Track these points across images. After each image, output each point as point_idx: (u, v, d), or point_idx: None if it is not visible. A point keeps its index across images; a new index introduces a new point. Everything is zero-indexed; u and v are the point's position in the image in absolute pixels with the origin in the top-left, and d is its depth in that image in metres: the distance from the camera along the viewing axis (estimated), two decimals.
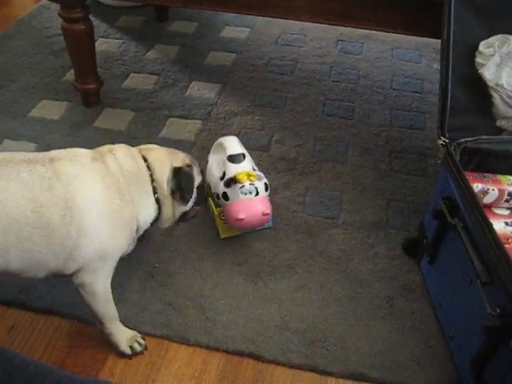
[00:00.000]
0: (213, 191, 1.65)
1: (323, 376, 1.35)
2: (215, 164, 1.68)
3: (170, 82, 2.33)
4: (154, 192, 1.34)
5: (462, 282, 1.28)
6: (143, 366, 1.35)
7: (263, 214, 1.57)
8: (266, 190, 1.60)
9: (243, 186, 1.55)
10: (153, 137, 2.04)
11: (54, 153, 1.24)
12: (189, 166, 1.41)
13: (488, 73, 1.44)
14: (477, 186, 1.41)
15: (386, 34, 2.53)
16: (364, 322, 1.46)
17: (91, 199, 1.20)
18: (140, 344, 1.37)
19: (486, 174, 1.46)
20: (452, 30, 1.44)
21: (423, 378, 1.34)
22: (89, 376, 1.31)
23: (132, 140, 2.01)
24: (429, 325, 1.46)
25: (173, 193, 1.36)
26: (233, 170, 1.59)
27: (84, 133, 2.05)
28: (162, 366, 1.36)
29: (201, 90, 2.30)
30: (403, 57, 2.57)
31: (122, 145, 1.37)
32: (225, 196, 1.57)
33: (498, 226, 1.38)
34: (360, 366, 1.36)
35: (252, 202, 1.56)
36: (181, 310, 1.47)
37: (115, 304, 1.37)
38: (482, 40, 1.47)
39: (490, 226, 1.19)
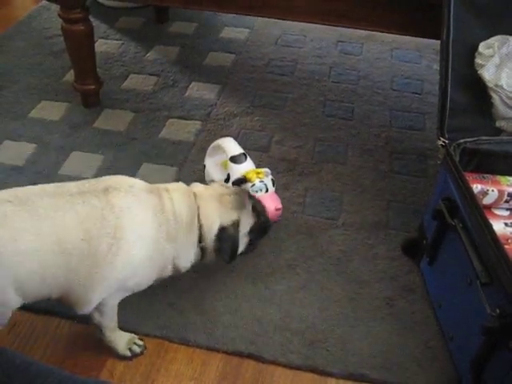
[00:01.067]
0: None
1: (323, 377, 1.35)
2: (214, 167, 1.68)
3: (169, 83, 2.34)
4: (200, 241, 1.34)
5: (462, 283, 1.28)
6: (143, 366, 1.35)
7: (276, 209, 1.60)
8: (273, 185, 1.62)
9: (254, 185, 1.57)
10: (152, 137, 2.04)
11: (109, 181, 1.25)
12: (235, 223, 1.37)
13: (487, 74, 1.44)
14: (476, 187, 1.41)
15: (385, 34, 2.52)
16: (364, 323, 1.46)
17: (140, 235, 1.21)
18: (139, 345, 1.37)
19: (485, 175, 1.46)
20: (452, 31, 1.44)
21: (423, 379, 1.34)
22: (89, 377, 1.31)
23: (131, 141, 2.02)
24: (428, 325, 1.46)
25: (216, 250, 1.36)
26: (237, 170, 1.59)
27: (84, 133, 2.05)
28: (161, 366, 1.36)
29: (200, 91, 2.30)
30: (403, 58, 2.57)
31: (180, 185, 1.37)
32: None
33: (498, 226, 1.38)
34: (360, 367, 1.36)
35: (264, 199, 1.57)
36: (181, 310, 1.47)
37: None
38: (481, 41, 1.47)
39: (489, 227, 1.19)
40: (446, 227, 1.38)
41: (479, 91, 1.47)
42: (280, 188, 1.82)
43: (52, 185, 1.23)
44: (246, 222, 1.41)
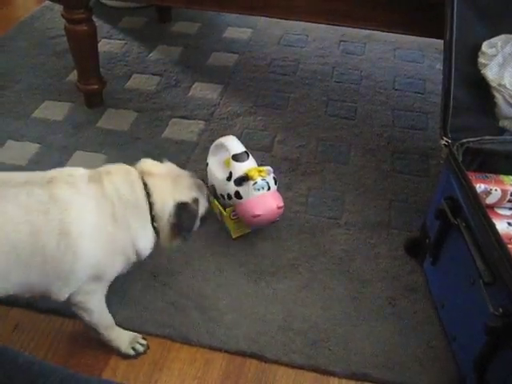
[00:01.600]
0: (219, 193, 1.64)
1: (325, 376, 1.35)
2: (217, 165, 1.68)
3: (172, 83, 2.34)
4: (153, 220, 1.28)
5: (465, 283, 1.28)
6: (146, 365, 1.36)
7: (278, 208, 1.59)
8: (275, 183, 1.62)
9: (256, 183, 1.56)
10: (155, 137, 2.05)
11: (52, 173, 1.23)
12: (195, 200, 1.33)
13: (491, 73, 1.44)
14: (479, 187, 1.41)
15: (388, 34, 2.53)
16: (366, 323, 1.46)
17: (85, 225, 1.18)
18: (142, 344, 1.37)
19: (488, 175, 1.45)
20: (455, 30, 1.44)
21: (425, 379, 1.34)
22: (92, 376, 1.31)
23: (135, 140, 2.03)
24: (431, 325, 1.46)
25: (173, 226, 1.29)
26: (240, 168, 1.59)
27: (87, 133, 2.06)
28: (164, 366, 1.36)
29: (203, 91, 2.30)
30: (405, 57, 2.57)
31: (121, 166, 1.32)
32: (237, 195, 1.57)
33: (501, 226, 1.37)
34: (362, 366, 1.36)
35: (266, 197, 1.58)
36: (183, 310, 1.47)
37: (118, 304, 1.38)
38: (484, 40, 1.47)
39: (492, 226, 1.19)
40: (448, 227, 1.38)
41: (482, 91, 1.46)
42: (283, 188, 1.82)
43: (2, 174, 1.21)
44: (203, 206, 1.37)
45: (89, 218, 1.19)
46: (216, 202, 1.67)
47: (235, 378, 1.34)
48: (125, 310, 1.45)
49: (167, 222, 1.29)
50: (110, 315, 1.34)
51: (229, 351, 1.39)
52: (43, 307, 1.46)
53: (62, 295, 1.22)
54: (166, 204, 1.28)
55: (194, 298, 1.50)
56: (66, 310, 1.44)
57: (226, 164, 1.64)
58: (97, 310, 1.29)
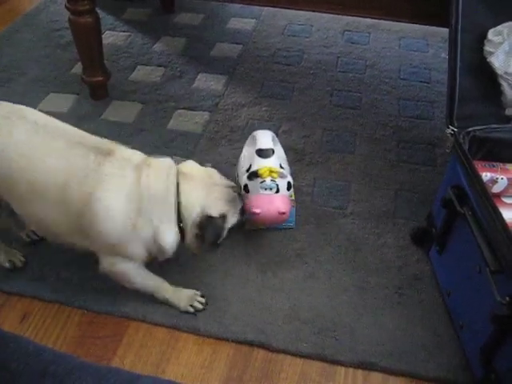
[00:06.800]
0: (238, 182, 1.65)
1: (332, 365, 1.36)
2: (246, 156, 1.68)
3: (176, 74, 2.34)
4: (180, 221, 1.32)
5: (471, 271, 1.28)
6: (153, 355, 1.37)
7: (280, 213, 1.55)
8: (289, 189, 1.59)
9: (264, 182, 1.54)
10: (160, 129, 2.05)
11: (112, 147, 1.33)
12: (223, 216, 1.34)
13: (497, 61, 1.43)
14: (486, 175, 1.41)
15: (392, 23, 2.52)
16: (373, 312, 1.46)
17: (110, 202, 1.26)
18: (201, 303, 1.44)
19: (494, 163, 1.45)
20: (460, 18, 1.43)
21: (432, 367, 1.35)
22: None
23: (140, 132, 2.03)
24: (437, 314, 1.46)
25: (196, 236, 1.34)
26: (257, 163, 1.58)
27: (92, 125, 2.05)
28: (172, 355, 1.37)
29: (208, 82, 2.30)
30: (410, 46, 2.56)
31: (164, 162, 1.36)
32: (246, 188, 1.57)
33: (508, 214, 1.36)
34: (369, 355, 1.37)
35: (270, 199, 1.54)
36: None
37: (125, 295, 1.39)
38: (490, 28, 1.46)
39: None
40: (455, 215, 1.37)
41: (488, 79, 1.46)
42: None
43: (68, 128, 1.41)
44: (231, 220, 1.39)
45: (115, 201, 1.27)
46: None
47: (242, 367, 1.35)
48: (132, 300, 1.46)
49: (191, 229, 1.33)
50: (154, 280, 1.42)
51: (236, 340, 1.40)
52: (51, 297, 1.47)
53: (86, 247, 1.33)
54: (192, 208, 1.32)
55: (201, 287, 1.50)
56: (74, 301, 1.46)
57: (252, 156, 1.63)
58: (130, 278, 1.39)
